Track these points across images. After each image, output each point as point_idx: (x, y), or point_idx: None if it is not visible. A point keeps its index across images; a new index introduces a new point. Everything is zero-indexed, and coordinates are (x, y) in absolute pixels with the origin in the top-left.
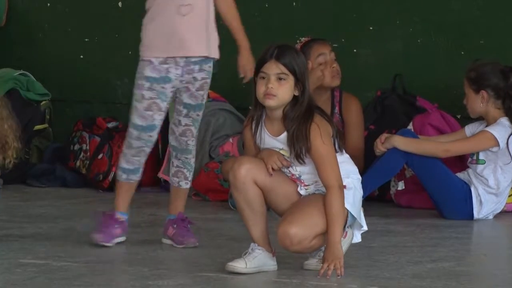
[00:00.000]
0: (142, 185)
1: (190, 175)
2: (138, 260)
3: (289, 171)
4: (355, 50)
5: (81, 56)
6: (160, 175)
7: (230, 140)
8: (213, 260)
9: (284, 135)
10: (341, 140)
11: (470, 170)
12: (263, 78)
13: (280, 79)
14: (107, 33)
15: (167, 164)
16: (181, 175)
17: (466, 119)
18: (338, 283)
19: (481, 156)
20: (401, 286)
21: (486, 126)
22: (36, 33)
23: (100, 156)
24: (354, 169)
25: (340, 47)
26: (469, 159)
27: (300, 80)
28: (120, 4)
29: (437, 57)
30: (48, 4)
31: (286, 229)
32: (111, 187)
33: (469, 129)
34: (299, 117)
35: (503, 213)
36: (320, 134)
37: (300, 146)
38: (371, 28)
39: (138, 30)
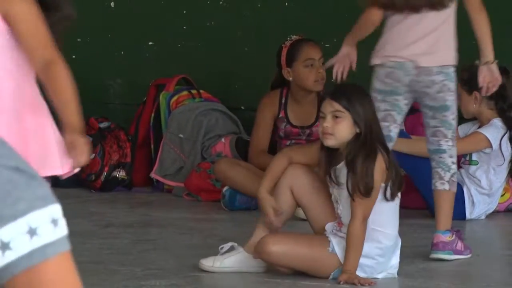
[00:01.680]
0: (134, 185)
1: (445, 175)
2: (130, 260)
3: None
4: None
5: (73, 56)
6: (153, 175)
7: (223, 140)
8: None
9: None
10: (397, 188)
11: (462, 171)
12: (323, 118)
13: (336, 117)
14: (100, 33)
15: (159, 164)
16: (436, 175)
17: (459, 120)
18: (331, 283)
19: (474, 157)
20: (394, 286)
21: (479, 126)
22: None
23: (92, 156)
24: (389, 225)
25: (332, 47)
26: (462, 160)
27: (356, 120)
28: (112, 4)
29: None
30: None
31: (268, 243)
32: (103, 187)
33: (462, 129)
34: (361, 156)
35: (496, 213)
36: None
37: (357, 184)
38: None
39: (130, 30)
